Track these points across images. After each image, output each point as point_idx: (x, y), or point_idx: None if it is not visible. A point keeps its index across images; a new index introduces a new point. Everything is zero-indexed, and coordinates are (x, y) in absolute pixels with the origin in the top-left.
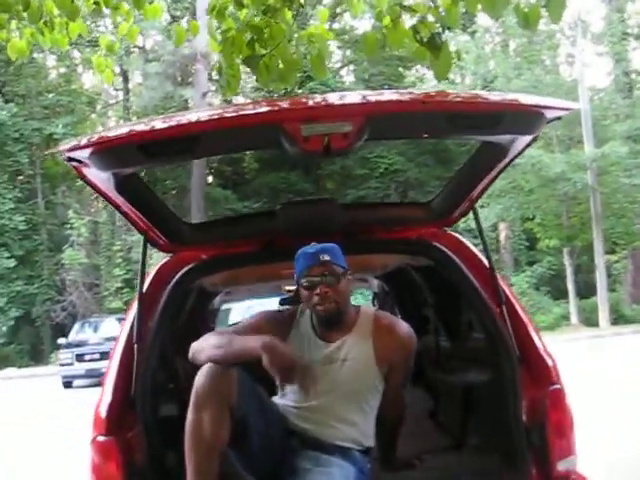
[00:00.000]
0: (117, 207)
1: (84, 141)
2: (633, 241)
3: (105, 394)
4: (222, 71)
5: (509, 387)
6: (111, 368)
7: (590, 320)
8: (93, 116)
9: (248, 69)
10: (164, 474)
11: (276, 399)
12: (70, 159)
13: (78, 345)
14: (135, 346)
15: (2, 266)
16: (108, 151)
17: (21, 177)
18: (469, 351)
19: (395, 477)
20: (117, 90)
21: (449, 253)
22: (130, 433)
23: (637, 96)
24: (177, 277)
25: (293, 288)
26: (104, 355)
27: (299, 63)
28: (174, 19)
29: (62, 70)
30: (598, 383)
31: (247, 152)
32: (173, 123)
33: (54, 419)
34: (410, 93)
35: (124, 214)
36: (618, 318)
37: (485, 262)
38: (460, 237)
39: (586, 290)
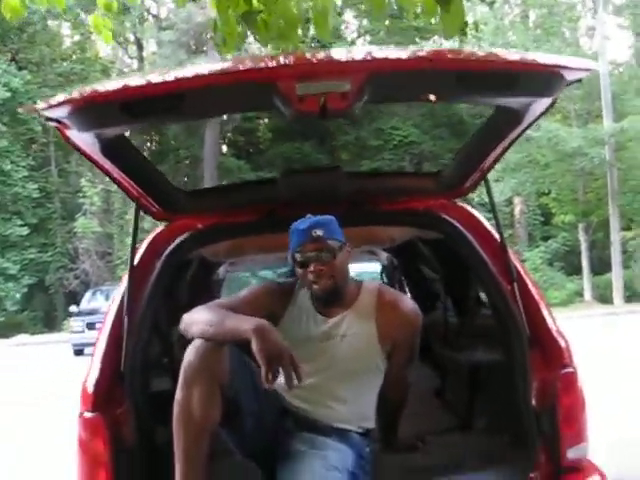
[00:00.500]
0: (106, 173)
1: (61, 99)
2: None
3: (93, 368)
4: (217, 28)
5: (518, 367)
6: (100, 341)
7: (604, 297)
8: None
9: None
10: (153, 451)
11: None
12: (49, 119)
13: (89, 313)
14: (125, 319)
15: (15, 234)
16: (87, 110)
17: (35, 145)
18: (478, 328)
19: (396, 459)
20: (132, 58)
21: (459, 226)
22: (119, 409)
23: None
24: (171, 247)
25: None
26: None
27: (300, 20)
28: None
29: (76, 38)
30: (611, 361)
31: (255, 118)
32: (157, 80)
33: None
34: (417, 50)
35: (114, 180)
36: (632, 295)
37: (497, 237)
38: (471, 210)
39: (600, 267)
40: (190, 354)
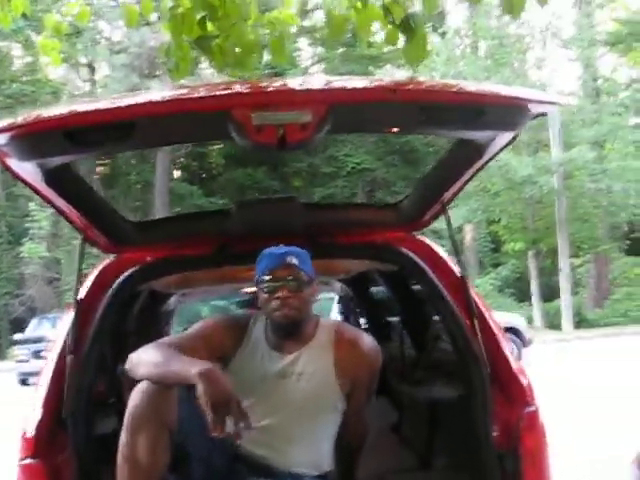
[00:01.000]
0: (50, 203)
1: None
2: (597, 245)
3: (34, 411)
4: (170, 52)
5: (479, 404)
6: (41, 382)
7: (553, 323)
8: None
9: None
10: None
11: None
12: None
13: (35, 341)
14: (68, 358)
15: None
16: (27, 138)
17: None
18: (437, 363)
19: None
20: (84, 81)
21: (417, 260)
22: (60, 456)
23: (604, 102)
24: (119, 281)
25: (253, 290)
26: None
27: (258, 46)
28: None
29: (27, 59)
30: (564, 390)
31: (210, 146)
32: (104, 107)
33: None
34: (379, 80)
35: (59, 210)
36: (581, 322)
37: (456, 271)
38: (430, 243)
39: (549, 293)
40: (136, 397)
